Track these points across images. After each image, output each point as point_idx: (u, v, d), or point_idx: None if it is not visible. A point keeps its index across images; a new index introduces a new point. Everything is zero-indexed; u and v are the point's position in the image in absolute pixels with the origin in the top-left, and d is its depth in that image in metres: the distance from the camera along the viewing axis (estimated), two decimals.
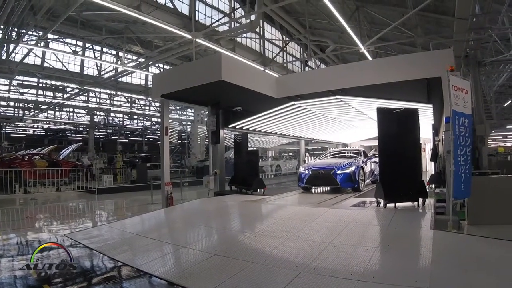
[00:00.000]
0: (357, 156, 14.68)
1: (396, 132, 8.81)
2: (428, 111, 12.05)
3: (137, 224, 9.24)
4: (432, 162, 13.62)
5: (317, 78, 12.50)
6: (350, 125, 19.05)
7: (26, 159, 20.39)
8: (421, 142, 9.83)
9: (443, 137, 9.32)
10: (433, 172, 13.57)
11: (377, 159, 15.75)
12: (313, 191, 14.06)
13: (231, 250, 5.92)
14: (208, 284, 4.42)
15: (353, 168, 12.79)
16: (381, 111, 9.14)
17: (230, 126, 13.98)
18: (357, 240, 5.96)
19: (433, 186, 11.27)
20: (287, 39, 26.46)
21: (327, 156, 16.60)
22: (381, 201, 8.88)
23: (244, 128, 14.89)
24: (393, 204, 8.63)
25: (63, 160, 22.87)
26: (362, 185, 13.29)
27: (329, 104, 13.49)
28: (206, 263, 5.34)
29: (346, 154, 15.65)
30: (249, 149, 14.29)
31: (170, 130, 36.49)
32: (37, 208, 12.99)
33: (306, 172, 13.48)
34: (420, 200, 8.66)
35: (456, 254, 5.15)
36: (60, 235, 8.18)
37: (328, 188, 13.78)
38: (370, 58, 20.33)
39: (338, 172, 12.62)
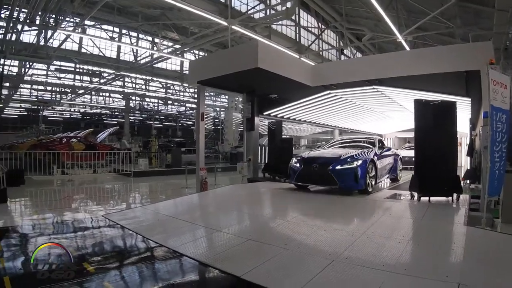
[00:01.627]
0: (369, 146, 11.62)
1: (433, 125, 8.72)
2: (466, 104, 11.73)
3: (171, 207, 9.49)
4: (468, 157, 13.30)
5: (353, 67, 12.31)
6: (385, 116, 18.85)
7: (64, 142, 21.01)
8: (457, 136, 9.72)
9: (480, 132, 9.15)
10: (468, 168, 13.28)
11: (399, 152, 14.56)
12: (311, 189, 11.13)
13: (264, 235, 6.05)
14: (242, 268, 4.51)
15: (359, 162, 9.57)
16: (418, 103, 9.05)
17: (264, 113, 14.04)
18: (390, 232, 6.00)
19: (468, 181, 11.13)
20: (323, 26, 26.16)
21: (332, 146, 12.96)
22: (415, 194, 8.89)
23: (278, 115, 14.92)
24: (427, 198, 8.65)
25: (100, 143, 23.48)
26: (373, 183, 10.22)
27: (365, 94, 13.39)
28: (240, 247, 5.46)
29: (356, 144, 12.61)
30: (283, 137, 14.35)
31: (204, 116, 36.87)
32: (74, 189, 13.34)
33: (298, 165, 10.52)
34: (455, 195, 8.61)
35: (488, 252, 5.11)
36: (98, 215, 8.47)
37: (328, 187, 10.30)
38: (407, 48, 19.96)
39: (338, 167, 9.58)
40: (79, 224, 7.72)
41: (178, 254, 5.24)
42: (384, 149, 11.95)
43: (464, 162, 16.94)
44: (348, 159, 9.78)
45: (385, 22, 16.11)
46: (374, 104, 15.72)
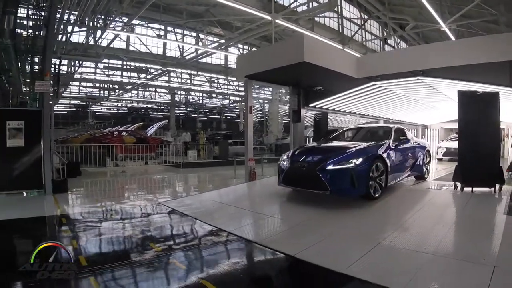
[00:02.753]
0: (382, 138, 9.36)
1: (477, 116, 8.82)
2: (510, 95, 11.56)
3: (224, 195, 10.05)
4: None
5: (397, 59, 12.46)
6: (430, 106, 18.66)
7: (116, 136, 22.00)
8: (503, 127, 9.74)
9: None
10: None
11: (425, 143, 12.59)
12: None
13: (314, 220, 6.51)
14: (296, 248, 4.97)
15: (359, 160, 7.48)
16: (462, 94, 9.15)
17: (310, 105, 14.23)
18: (433, 219, 6.40)
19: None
20: (365, 16, 26.08)
21: (335, 138, 10.69)
22: (459, 184, 9.04)
23: (323, 107, 15.13)
24: (470, 188, 8.79)
25: (150, 136, 24.39)
26: (382, 185, 8.00)
27: (409, 85, 13.39)
28: (291, 231, 5.98)
29: (366, 134, 10.83)
30: (328, 128, 14.57)
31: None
32: (128, 180, 14.07)
33: (285, 163, 8.62)
34: (497, 186, 8.70)
35: None
36: (156, 202, 9.13)
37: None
38: (451, 36, 19.75)
39: (329, 167, 7.47)
40: (140, 210, 8.46)
41: (235, 236, 5.73)
42: (402, 141, 9.50)
43: (508, 153, 16.71)
44: (344, 156, 7.71)
45: (428, 11, 16.06)
46: (418, 95, 15.62)
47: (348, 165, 7.41)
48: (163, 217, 7.69)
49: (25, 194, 9.83)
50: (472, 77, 10.99)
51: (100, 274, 4.29)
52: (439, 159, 19.58)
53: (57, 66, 17.68)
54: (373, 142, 8.86)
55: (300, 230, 6.03)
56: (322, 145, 9.69)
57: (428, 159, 11.43)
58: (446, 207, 7.72)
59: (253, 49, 28.36)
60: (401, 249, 4.86)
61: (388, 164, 8.25)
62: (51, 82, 10.85)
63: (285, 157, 8.86)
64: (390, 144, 8.84)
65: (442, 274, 4.13)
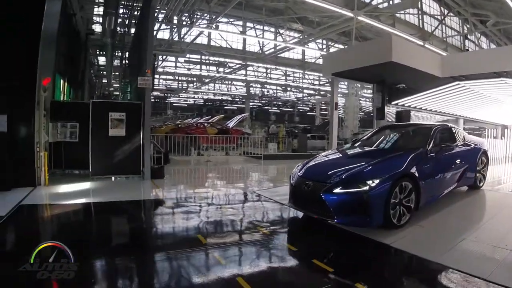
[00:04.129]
0: (419, 143, 7.31)
1: None
2: None
3: None
4: None
5: (481, 59, 12.56)
6: None
7: (201, 127, 23.14)
8: None
9: None
10: None
11: (481, 142, 9.83)
12: None
13: None
14: (387, 239, 5.52)
15: (375, 182, 5.61)
16: None
17: (393, 102, 14.45)
18: None
19: None
20: (446, 11, 25.50)
21: (363, 142, 8.51)
22: None
23: (405, 105, 15.27)
24: None
25: (232, 128, 25.37)
26: (409, 210, 6.04)
27: (492, 85, 13.33)
28: None
29: (398, 137, 8.64)
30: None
31: (322, 103, 37.54)
32: (214, 169, 14.82)
33: (293, 179, 6.93)
34: None
35: None
36: (250, 191, 9.88)
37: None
38: None
39: (336, 190, 5.74)
40: (238, 197, 9.22)
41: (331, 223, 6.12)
42: (446, 146, 7.57)
43: None
44: (356, 175, 5.96)
45: (509, 6, 15.65)
46: (500, 95, 15.44)
47: (359, 189, 5.60)
48: (263, 205, 8.29)
49: (123, 179, 10.90)
50: None
51: (219, 250, 5.00)
52: None
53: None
54: (401, 152, 6.90)
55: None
56: (339, 154, 7.93)
57: (483, 164, 9.37)
58: None
59: (332, 44, 28.74)
60: (483, 244, 5.23)
61: (421, 182, 6.23)
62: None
63: (296, 169, 7.11)
64: (428, 152, 6.89)
65: None
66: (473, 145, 8.95)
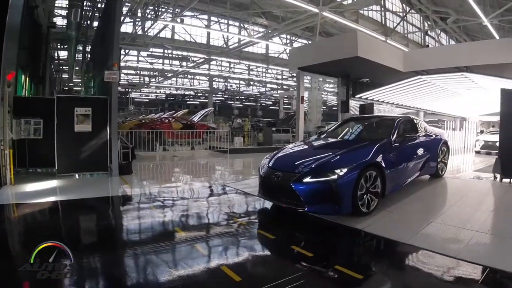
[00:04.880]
0: (383, 134, 7.62)
1: None
2: None
3: None
4: None
5: (444, 54, 13.08)
6: (471, 99, 18.98)
7: (166, 122, 22.95)
8: None
9: None
10: None
11: (443, 133, 10.44)
12: None
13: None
14: (360, 224, 5.79)
15: (343, 171, 5.85)
16: (505, 91, 9.73)
17: (357, 96, 14.85)
18: (475, 205, 7.23)
19: None
20: (408, 8, 26.20)
21: (330, 134, 8.83)
22: (498, 175, 9.72)
23: (369, 98, 15.69)
24: (508, 180, 9.48)
25: (197, 122, 25.22)
26: (375, 198, 6.34)
27: (453, 79, 13.86)
28: None
29: (363, 129, 8.91)
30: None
31: (285, 97, 37.80)
32: (181, 164, 14.68)
33: (262, 170, 7.02)
34: None
35: None
36: (221, 184, 10.04)
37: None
38: (493, 31, 19.84)
39: (305, 179, 5.92)
40: (209, 191, 9.30)
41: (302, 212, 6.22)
42: (409, 136, 7.88)
43: None
44: (324, 165, 6.15)
45: (469, 4, 16.24)
46: (460, 89, 16.06)
47: (328, 177, 5.79)
48: (234, 197, 8.38)
49: (91, 176, 10.65)
50: None
51: (198, 242, 5.06)
52: (477, 152, 19.90)
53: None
54: (367, 142, 7.19)
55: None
56: (307, 146, 8.04)
57: (444, 153, 9.87)
58: (487, 195, 8.60)
59: (295, 39, 29.00)
60: (450, 226, 5.67)
61: (386, 171, 6.54)
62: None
63: (265, 160, 7.22)
64: (392, 143, 7.16)
65: (487, 246, 5.02)
66: (434, 136, 9.37)
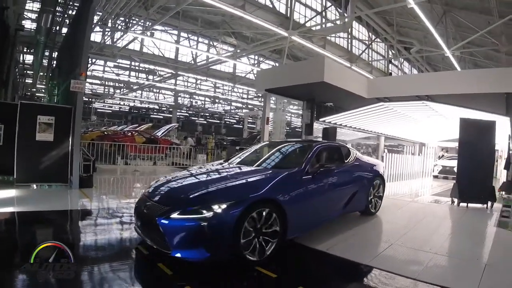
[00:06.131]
0: (297, 161, 6.34)
1: (475, 141, 10.10)
2: (506, 123, 12.39)
3: None
4: (505, 171, 13.99)
5: (406, 83, 13.63)
6: (430, 126, 19.69)
7: (129, 135, 22.69)
8: (497, 149, 10.76)
9: None
10: (505, 180, 13.68)
11: (377, 163, 8.99)
12: None
13: (335, 225, 7.26)
14: (323, 245, 5.92)
15: (222, 207, 4.60)
16: (463, 121, 10.41)
17: (321, 119, 15.18)
18: (434, 227, 7.66)
19: (503, 192, 12.04)
20: (373, 37, 27.10)
21: (239, 159, 7.40)
22: (455, 200, 10.35)
23: (332, 122, 16.05)
24: (465, 204, 10.16)
25: (160, 137, 25.00)
26: (270, 243, 5.01)
27: (414, 107, 14.38)
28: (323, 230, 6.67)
29: (277, 154, 7.31)
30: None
31: (250, 116, 38.03)
32: (144, 178, 14.36)
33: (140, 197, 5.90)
34: (489, 203, 10.05)
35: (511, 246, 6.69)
36: None
37: None
38: (454, 62, 20.75)
39: (174, 215, 4.64)
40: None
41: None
42: (328, 167, 6.53)
43: (501, 174, 17.66)
44: (197, 199, 4.89)
45: (433, 35, 16.97)
46: (421, 116, 16.68)
47: (201, 215, 4.56)
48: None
49: (50, 187, 10.34)
50: (472, 105, 12.20)
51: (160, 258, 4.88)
52: (435, 176, 20.72)
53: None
54: (268, 172, 5.94)
55: (326, 230, 6.77)
56: (201, 171, 6.77)
57: (378, 187, 8.48)
58: (445, 218, 9.07)
59: (263, 60, 29.39)
60: (409, 249, 5.93)
61: (288, 208, 5.24)
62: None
63: (149, 186, 6.15)
64: (303, 173, 5.96)
65: (445, 268, 5.30)
66: (367, 167, 8.22)
